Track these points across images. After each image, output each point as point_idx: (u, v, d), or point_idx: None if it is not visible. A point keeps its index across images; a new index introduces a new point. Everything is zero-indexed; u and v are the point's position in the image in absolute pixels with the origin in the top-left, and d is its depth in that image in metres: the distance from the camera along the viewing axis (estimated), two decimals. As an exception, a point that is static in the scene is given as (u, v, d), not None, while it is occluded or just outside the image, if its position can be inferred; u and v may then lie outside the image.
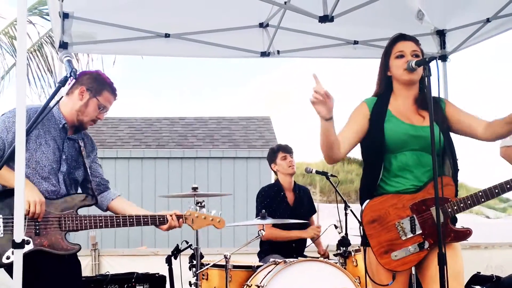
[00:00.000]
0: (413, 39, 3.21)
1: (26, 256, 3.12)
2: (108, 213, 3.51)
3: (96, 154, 3.72)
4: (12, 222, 3.13)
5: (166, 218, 3.50)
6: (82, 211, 3.39)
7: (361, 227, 3.16)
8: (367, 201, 3.13)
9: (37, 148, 3.34)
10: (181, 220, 3.56)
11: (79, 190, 3.60)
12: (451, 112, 3.18)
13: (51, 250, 3.24)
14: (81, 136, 3.59)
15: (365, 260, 3.18)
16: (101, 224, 3.36)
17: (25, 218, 3.13)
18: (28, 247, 3.17)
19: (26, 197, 3.11)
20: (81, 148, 3.53)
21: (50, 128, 3.41)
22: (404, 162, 3.09)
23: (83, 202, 3.41)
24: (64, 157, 3.43)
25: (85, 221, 3.33)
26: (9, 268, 3.16)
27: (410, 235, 3.05)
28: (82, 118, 3.48)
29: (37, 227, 3.23)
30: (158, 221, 3.49)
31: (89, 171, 3.55)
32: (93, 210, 3.57)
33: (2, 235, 3.17)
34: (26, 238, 3.15)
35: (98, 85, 3.49)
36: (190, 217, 3.63)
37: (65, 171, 3.43)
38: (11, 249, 3.11)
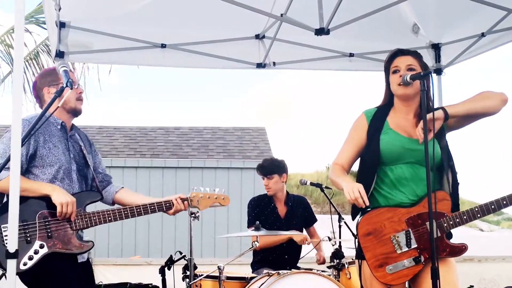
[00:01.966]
0: (411, 53, 3.23)
1: (40, 260, 3.18)
2: (116, 206, 3.55)
3: (95, 149, 3.75)
4: (24, 229, 3.18)
5: (172, 202, 3.54)
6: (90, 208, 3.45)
7: (356, 240, 3.16)
8: (359, 216, 3.14)
9: (48, 153, 3.36)
10: (186, 202, 3.59)
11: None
12: (453, 113, 3.14)
13: (65, 251, 3.26)
14: (76, 132, 3.63)
15: (360, 273, 3.18)
16: (109, 218, 3.39)
17: (37, 224, 3.20)
18: (42, 251, 3.20)
19: (59, 199, 3.20)
20: (81, 144, 3.58)
21: (53, 131, 3.44)
22: (400, 175, 3.11)
23: (89, 199, 3.45)
24: (72, 155, 3.49)
25: (94, 217, 3.37)
26: (22, 276, 3.20)
27: (405, 249, 3.05)
28: (70, 106, 3.50)
29: (49, 230, 3.24)
30: (164, 207, 3.52)
31: (92, 167, 3.58)
32: (101, 206, 3.61)
33: None
34: (40, 243, 3.20)
35: (51, 75, 3.54)
36: (195, 198, 3.65)
37: (76, 169, 3.48)
38: (27, 255, 3.17)
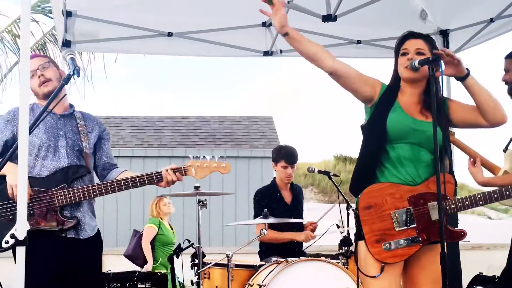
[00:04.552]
0: (423, 36, 3.18)
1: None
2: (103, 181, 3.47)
3: (102, 132, 3.63)
4: (6, 208, 3.22)
5: (162, 173, 3.36)
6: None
7: (356, 213, 3.11)
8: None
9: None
10: (178, 173, 3.38)
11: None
12: (455, 110, 3.16)
13: (48, 228, 3.24)
14: (77, 114, 3.58)
15: (356, 254, 3.14)
16: (95, 193, 3.31)
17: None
18: None
19: (9, 181, 3.19)
20: (79, 125, 3.52)
21: (36, 115, 3.38)
22: (401, 154, 3.08)
23: (74, 174, 3.36)
24: (61, 133, 3.44)
25: (78, 193, 3.29)
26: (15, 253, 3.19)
27: (404, 227, 3.02)
28: (38, 94, 3.48)
29: (30, 208, 3.20)
30: (155, 179, 3.36)
31: (89, 149, 3.49)
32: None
33: None
34: None
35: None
36: (190, 167, 3.41)
37: (65, 145, 3.42)
38: (10, 233, 3.15)
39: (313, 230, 5.29)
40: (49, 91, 3.43)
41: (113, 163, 3.66)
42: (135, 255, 6.00)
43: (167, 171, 3.37)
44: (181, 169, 3.40)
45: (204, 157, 3.46)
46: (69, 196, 3.29)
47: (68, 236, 3.34)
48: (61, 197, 3.28)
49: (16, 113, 3.34)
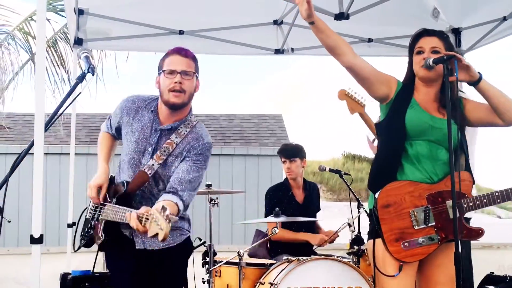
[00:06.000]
0: (437, 34, 3.16)
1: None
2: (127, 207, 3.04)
3: (186, 157, 3.12)
4: (95, 208, 3.19)
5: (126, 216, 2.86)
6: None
7: (372, 217, 3.10)
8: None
9: (124, 136, 3.18)
10: (137, 223, 2.74)
11: None
12: (470, 109, 3.15)
13: (95, 237, 3.17)
14: (182, 130, 3.14)
15: (373, 252, 3.11)
16: (113, 215, 3.01)
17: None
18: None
19: (91, 181, 3.12)
20: (169, 141, 3.11)
21: (144, 116, 3.18)
22: (418, 151, 3.06)
23: (116, 191, 3.11)
24: (150, 149, 3.11)
25: (108, 211, 3.06)
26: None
27: (422, 225, 3.00)
28: (163, 97, 3.09)
29: (91, 213, 3.17)
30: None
31: (153, 170, 3.08)
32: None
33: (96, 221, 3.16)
34: (94, 223, 3.16)
35: (160, 61, 3.16)
36: (150, 216, 2.69)
37: (146, 164, 3.09)
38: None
39: (331, 241, 5.24)
40: (174, 103, 3.06)
41: (175, 186, 3.06)
42: (259, 253, 6.05)
43: (135, 214, 2.79)
44: (143, 217, 2.72)
45: (163, 208, 2.63)
46: (104, 211, 3.10)
47: (136, 247, 3.14)
48: (104, 212, 3.09)
49: (125, 103, 3.21)
